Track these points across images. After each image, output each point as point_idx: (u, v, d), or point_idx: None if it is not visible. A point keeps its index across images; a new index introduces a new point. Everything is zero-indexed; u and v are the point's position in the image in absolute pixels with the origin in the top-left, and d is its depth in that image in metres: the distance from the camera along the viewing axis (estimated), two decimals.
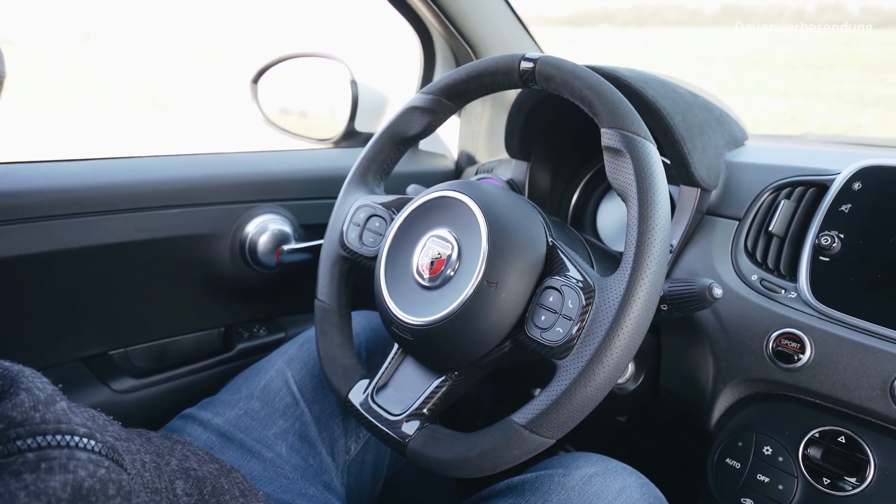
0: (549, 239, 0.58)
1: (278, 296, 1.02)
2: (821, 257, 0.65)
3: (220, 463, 0.58)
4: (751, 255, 0.71)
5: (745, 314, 0.68)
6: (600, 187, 0.95)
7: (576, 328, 0.51)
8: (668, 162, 0.73)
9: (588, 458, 0.64)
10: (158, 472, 0.49)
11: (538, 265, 0.56)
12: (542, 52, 1.13)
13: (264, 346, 0.98)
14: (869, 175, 0.66)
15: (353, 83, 1.04)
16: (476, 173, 1.04)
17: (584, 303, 0.51)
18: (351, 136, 1.08)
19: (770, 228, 0.70)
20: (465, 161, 1.18)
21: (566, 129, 0.89)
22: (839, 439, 0.62)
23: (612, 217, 0.93)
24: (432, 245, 0.59)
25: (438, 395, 0.60)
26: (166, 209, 0.83)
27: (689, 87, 0.82)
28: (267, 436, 0.70)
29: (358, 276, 0.74)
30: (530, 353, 0.55)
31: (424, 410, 0.60)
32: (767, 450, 0.64)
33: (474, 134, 1.17)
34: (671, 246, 0.74)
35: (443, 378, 0.60)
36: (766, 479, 0.63)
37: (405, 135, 0.72)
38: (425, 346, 0.59)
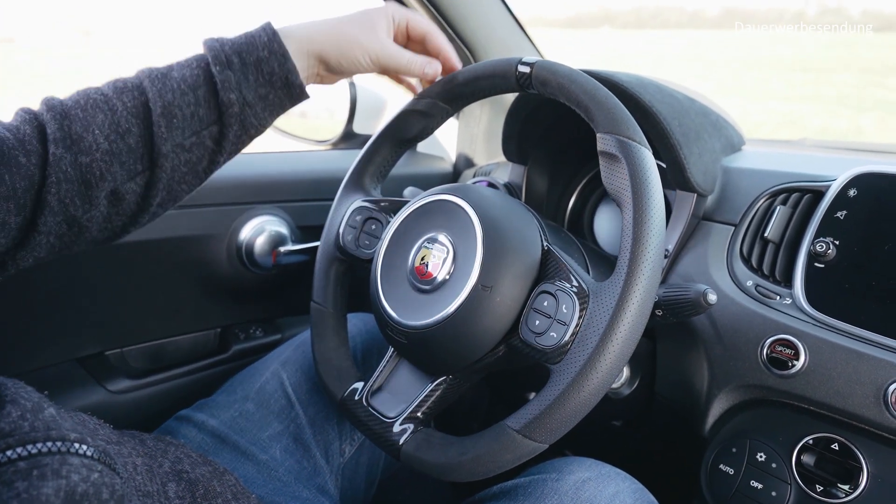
0: (545, 243, 0.58)
1: (275, 297, 1.01)
2: (816, 264, 0.65)
3: (213, 465, 0.58)
4: (746, 261, 0.71)
5: (740, 320, 0.68)
6: (597, 191, 0.95)
7: (570, 333, 0.51)
8: (665, 166, 0.73)
9: (581, 463, 0.64)
10: (151, 474, 0.49)
11: (533, 270, 0.56)
12: (541, 55, 1.13)
13: (260, 347, 0.98)
14: (864, 182, 0.66)
15: (352, 85, 1.04)
16: (474, 176, 1.04)
17: (578, 308, 0.51)
18: (349, 138, 1.08)
19: (766, 234, 0.70)
20: (463, 164, 1.18)
21: (564, 132, 0.89)
22: (832, 446, 0.62)
23: (608, 221, 0.93)
24: (428, 248, 0.59)
25: (433, 398, 0.60)
26: None
27: (686, 92, 0.82)
28: (261, 438, 0.70)
29: (354, 278, 0.74)
30: (524, 358, 0.55)
31: (419, 414, 0.60)
32: (761, 456, 0.64)
33: (472, 136, 1.17)
34: (667, 251, 0.74)
35: (437, 382, 0.60)
36: (760, 486, 0.63)
37: (403, 137, 0.72)
38: (420, 349, 0.59)
